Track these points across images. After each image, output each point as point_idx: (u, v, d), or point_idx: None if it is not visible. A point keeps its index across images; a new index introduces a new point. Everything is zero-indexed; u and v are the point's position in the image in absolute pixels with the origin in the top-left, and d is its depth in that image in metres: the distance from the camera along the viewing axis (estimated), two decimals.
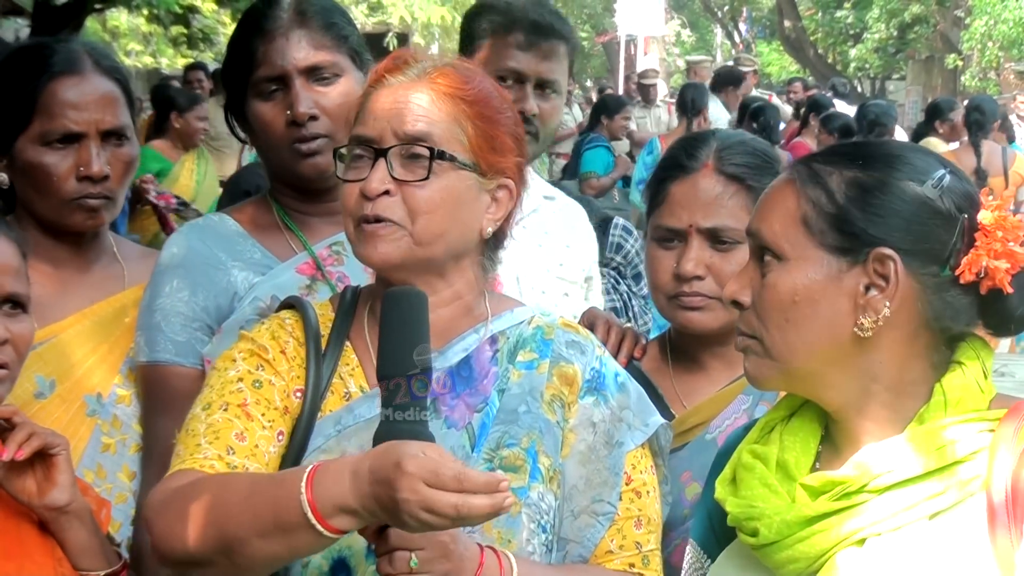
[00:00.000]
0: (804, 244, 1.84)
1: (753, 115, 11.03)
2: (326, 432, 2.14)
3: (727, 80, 13.61)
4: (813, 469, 1.92)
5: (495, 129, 2.18)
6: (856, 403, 1.87)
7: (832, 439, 1.93)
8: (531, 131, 3.15)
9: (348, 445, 2.12)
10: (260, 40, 2.70)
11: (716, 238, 2.56)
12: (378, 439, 1.91)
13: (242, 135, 2.83)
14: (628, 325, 2.84)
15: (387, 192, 2.10)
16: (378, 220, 2.10)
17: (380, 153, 2.11)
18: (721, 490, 1.96)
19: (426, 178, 2.10)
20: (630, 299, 6.81)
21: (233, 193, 5.78)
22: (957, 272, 1.81)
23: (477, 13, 3.30)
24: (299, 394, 2.16)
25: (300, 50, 2.69)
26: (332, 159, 2.66)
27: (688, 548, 2.15)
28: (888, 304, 1.81)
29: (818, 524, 1.81)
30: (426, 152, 2.10)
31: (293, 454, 2.12)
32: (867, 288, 1.82)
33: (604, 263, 6.84)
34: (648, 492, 2.22)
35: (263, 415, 2.12)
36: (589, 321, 2.82)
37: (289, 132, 2.68)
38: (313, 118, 2.66)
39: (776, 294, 1.85)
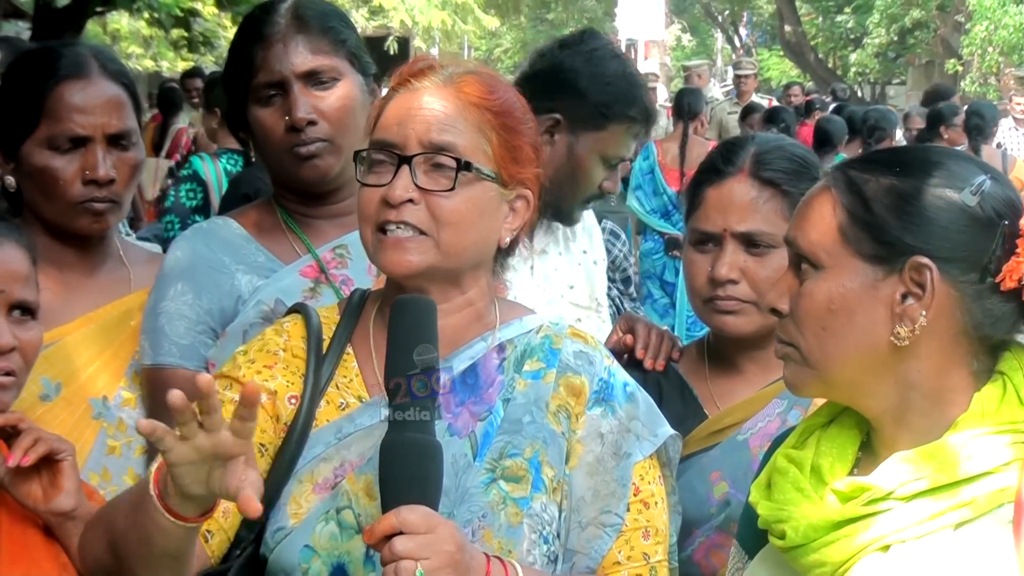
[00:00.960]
0: (840, 253, 1.83)
1: (770, 119, 10.98)
2: (326, 440, 2.14)
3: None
4: (850, 476, 1.90)
5: (518, 139, 2.18)
6: (894, 411, 1.85)
7: (872, 447, 1.92)
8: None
9: (348, 453, 2.12)
10: (258, 46, 2.71)
11: (750, 242, 2.57)
12: (384, 441, 1.92)
13: (244, 140, 2.83)
14: (665, 328, 2.85)
15: (411, 200, 2.08)
16: (400, 226, 2.09)
17: (404, 160, 2.10)
18: (755, 493, 1.95)
19: (452, 189, 2.09)
20: (621, 303, 6.84)
21: (233, 197, 5.79)
22: (997, 279, 1.79)
23: (626, 97, 3.28)
24: (294, 400, 2.16)
25: (298, 55, 2.69)
26: (332, 163, 2.68)
27: (732, 548, 2.14)
28: (924, 313, 1.79)
29: (844, 529, 1.80)
30: (451, 162, 2.09)
31: (286, 461, 2.12)
32: (904, 296, 1.80)
33: None
34: (656, 503, 2.20)
35: None
36: (628, 325, 2.83)
37: (288, 137, 2.68)
38: (312, 123, 2.67)
39: (813, 303, 1.85)
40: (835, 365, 1.85)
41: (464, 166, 2.09)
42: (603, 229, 6.88)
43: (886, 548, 1.79)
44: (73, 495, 2.20)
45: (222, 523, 2.10)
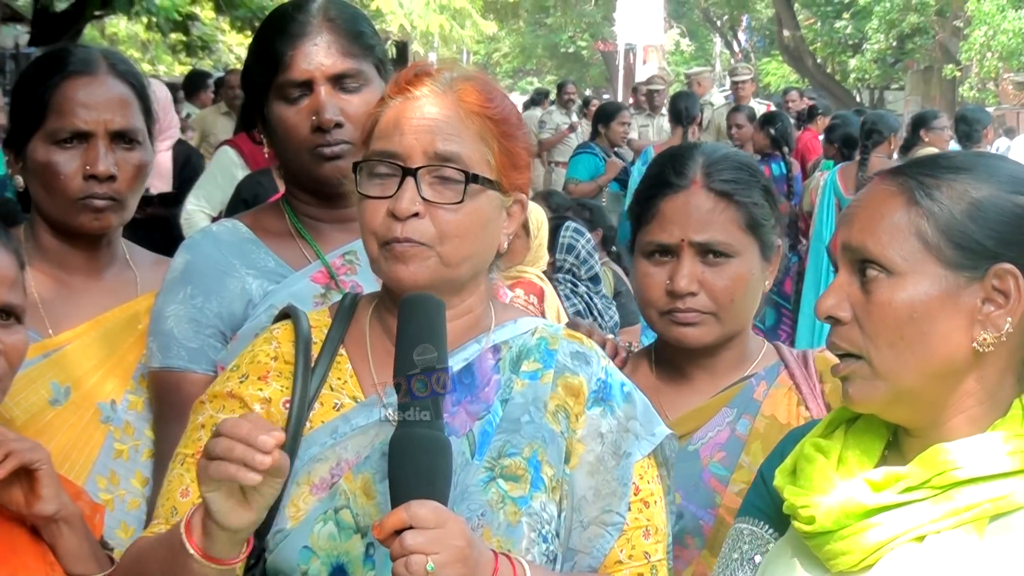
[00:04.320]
0: (920, 259, 1.81)
1: (768, 121, 10.99)
2: (321, 441, 2.14)
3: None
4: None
5: (516, 146, 2.18)
6: (948, 418, 1.85)
7: (900, 448, 1.92)
8: None
9: (344, 452, 2.13)
10: (286, 43, 2.67)
11: (708, 252, 2.56)
12: (393, 436, 1.92)
13: (259, 136, 2.80)
14: (609, 336, 2.86)
15: (416, 214, 2.08)
16: (407, 241, 2.08)
17: (408, 172, 2.09)
18: (780, 478, 1.95)
19: (460, 202, 2.09)
20: (591, 299, 6.87)
21: (234, 203, 5.79)
22: None
23: None
24: (288, 406, 2.15)
25: (328, 57, 2.66)
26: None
27: (735, 532, 2.12)
28: (1010, 320, 1.79)
29: (877, 517, 1.80)
30: (458, 175, 2.09)
31: None
32: (983, 302, 1.80)
33: (557, 267, 6.93)
34: (655, 502, 2.21)
35: None
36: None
37: (313, 137, 2.65)
38: (338, 125, 2.64)
39: (891, 310, 1.81)
40: (909, 374, 1.82)
41: (471, 179, 2.09)
42: (566, 227, 6.93)
43: (921, 539, 1.79)
44: (52, 501, 2.19)
45: None
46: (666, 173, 2.62)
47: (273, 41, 2.70)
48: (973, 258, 1.80)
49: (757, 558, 2.05)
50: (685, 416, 2.62)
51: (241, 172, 6.58)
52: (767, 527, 2.06)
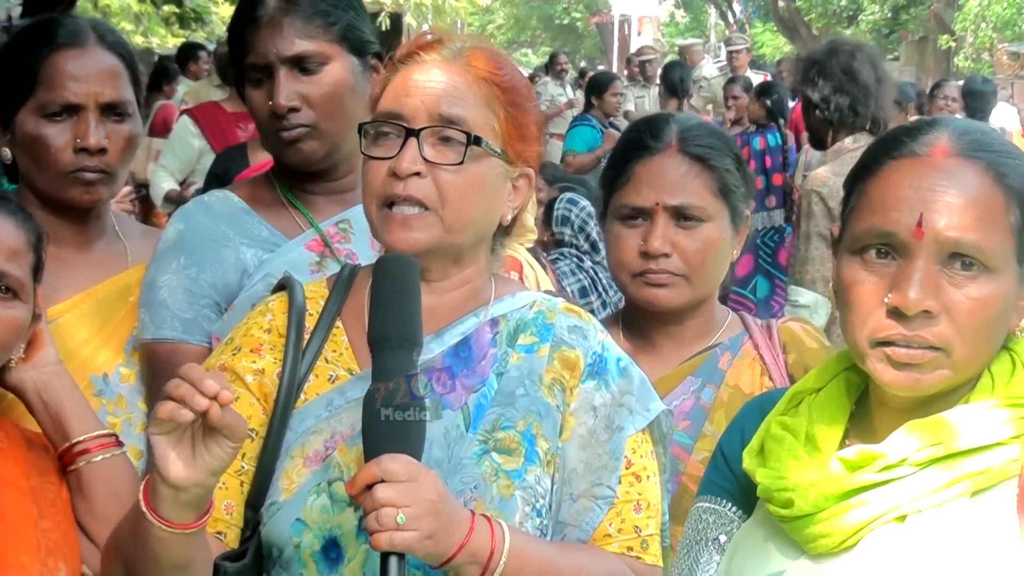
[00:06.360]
0: (1011, 257, 1.78)
1: (763, 92, 10.97)
2: (316, 413, 2.13)
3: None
4: (842, 445, 1.88)
5: (524, 117, 2.17)
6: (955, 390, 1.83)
7: (867, 416, 1.90)
8: None
9: (338, 425, 2.12)
10: (250, 28, 2.69)
11: (682, 215, 2.60)
12: (366, 394, 1.91)
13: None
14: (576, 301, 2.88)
15: (417, 174, 2.07)
16: (407, 201, 2.07)
17: (411, 133, 2.08)
18: (749, 460, 1.92)
19: (461, 163, 2.08)
20: (597, 274, 6.86)
21: (209, 178, 5.84)
22: None
23: None
24: (280, 376, 2.15)
25: (283, 40, 2.66)
26: (315, 147, 2.68)
27: (696, 512, 2.09)
28: None
29: (856, 498, 1.78)
30: (461, 136, 2.08)
31: (272, 439, 2.12)
32: None
33: (557, 241, 6.90)
34: (648, 476, 2.20)
35: None
36: None
37: (272, 121, 2.67)
38: (294, 110, 2.65)
39: (987, 309, 1.76)
40: (975, 366, 1.81)
41: (474, 140, 2.08)
42: (559, 200, 6.93)
43: (902, 519, 1.77)
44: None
45: (230, 520, 2.12)
46: (643, 137, 2.67)
47: (239, 24, 2.73)
48: None
49: (722, 538, 2.02)
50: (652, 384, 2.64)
51: (197, 140, 7.14)
52: (730, 505, 2.04)
